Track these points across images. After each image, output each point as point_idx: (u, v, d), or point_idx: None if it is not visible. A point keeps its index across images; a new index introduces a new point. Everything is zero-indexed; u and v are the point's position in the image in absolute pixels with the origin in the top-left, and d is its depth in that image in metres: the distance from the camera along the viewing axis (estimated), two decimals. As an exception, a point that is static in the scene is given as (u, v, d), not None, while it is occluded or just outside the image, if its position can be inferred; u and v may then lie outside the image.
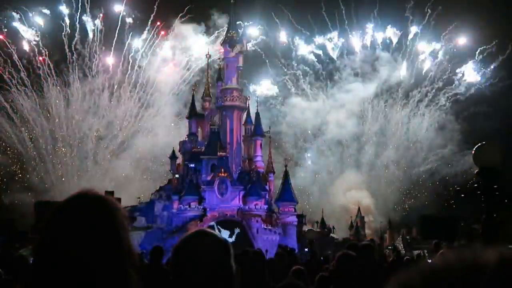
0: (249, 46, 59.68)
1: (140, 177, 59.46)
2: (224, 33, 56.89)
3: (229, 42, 54.93)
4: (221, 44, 56.64)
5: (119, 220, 1.55)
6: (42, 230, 1.53)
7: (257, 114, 56.28)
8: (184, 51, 64.67)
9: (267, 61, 67.23)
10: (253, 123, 55.49)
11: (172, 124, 60.91)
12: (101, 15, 64.49)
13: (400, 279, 0.88)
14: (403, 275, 0.88)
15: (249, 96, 56.77)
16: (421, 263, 0.87)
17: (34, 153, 59.10)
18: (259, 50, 66.62)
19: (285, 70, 67.34)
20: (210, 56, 58.53)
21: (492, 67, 62.76)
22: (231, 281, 2.09)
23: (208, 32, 61.91)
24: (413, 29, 66.30)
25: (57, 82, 62.23)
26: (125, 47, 64.96)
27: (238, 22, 55.41)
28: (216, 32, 56.59)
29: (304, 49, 69.10)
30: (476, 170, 7.56)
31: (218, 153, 49.82)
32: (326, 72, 67.59)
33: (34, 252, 1.51)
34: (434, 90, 65.04)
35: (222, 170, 48.98)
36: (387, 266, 10.74)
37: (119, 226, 1.54)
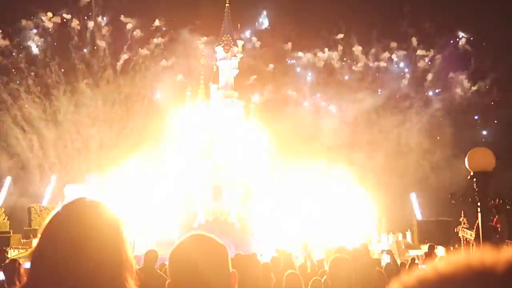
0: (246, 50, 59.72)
1: None
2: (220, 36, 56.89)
3: (224, 45, 55.00)
4: (216, 47, 56.67)
5: (117, 226, 1.54)
6: (41, 235, 1.52)
7: (252, 118, 56.27)
8: (188, 58, 64.68)
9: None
10: (248, 126, 55.46)
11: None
12: (107, 26, 64.38)
13: (406, 283, 0.86)
14: (408, 279, 0.86)
15: (244, 100, 56.78)
16: (427, 267, 0.85)
17: (41, 159, 58.98)
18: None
19: (282, 77, 67.13)
20: (204, 60, 58.56)
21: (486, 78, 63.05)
22: (228, 284, 2.08)
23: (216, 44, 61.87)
24: (413, 40, 66.37)
25: (66, 90, 62.16)
26: (134, 57, 64.95)
27: (237, 38, 55.44)
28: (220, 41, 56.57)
29: (304, 57, 68.76)
30: (470, 175, 7.58)
31: (213, 157, 49.75)
32: (323, 81, 67.37)
33: (32, 257, 1.50)
34: (427, 97, 65.36)
35: (217, 173, 48.90)
36: (382, 270, 10.74)
37: (117, 232, 1.53)
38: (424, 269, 0.85)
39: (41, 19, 61.88)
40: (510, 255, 0.81)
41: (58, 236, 1.47)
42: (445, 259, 0.84)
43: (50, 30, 62.20)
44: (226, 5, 57.23)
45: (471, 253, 0.84)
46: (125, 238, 1.53)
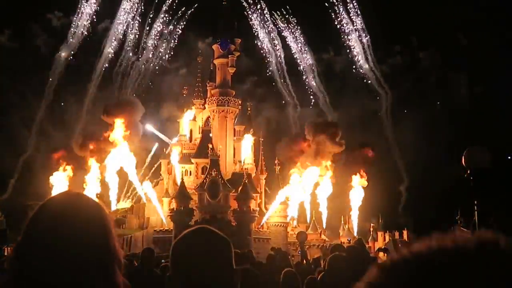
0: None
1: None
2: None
3: (221, 44, 55.04)
4: (213, 46, 56.66)
5: (102, 218, 1.53)
6: (24, 230, 1.50)
7: (249, 115, 56.27)
8: (190, 56, 64.52)
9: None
10: (245, 123, 55.49)
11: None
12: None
13: (383, 265, 0.88)
14: (385, 261, 0.89)
15: (241, 98, 56.82)
16: (401, 249, 0.89)
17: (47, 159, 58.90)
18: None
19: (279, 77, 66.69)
20: (202, 58, 58.64)
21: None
22: (231, 278, 2.05)
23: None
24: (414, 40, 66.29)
25: (75, 92, 62.11)
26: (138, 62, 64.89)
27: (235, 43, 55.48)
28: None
29: (303, 61, 68.05)
30: (467, 172, 7.59)
31: (210, 155, 49.77)
32: (322, 83, 66.96)
33: (15, 252, 1.47)
34: (424, 98, 65.46)
35: (214, 171, 48.90)
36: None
37: (103, 224, 1.52)
38: (399, 251, 0.88)
39: (50, 19, 61.95)
40: (481, 234, 0.85)
41: (42, 230, 1.46)
42: (419, 242, 0.88)
43: (58, 28, 62.29)
44: (224, 3, 57.27)
45: (446, 236, 0.87)
46: (111, 230, 1.52)
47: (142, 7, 63.36)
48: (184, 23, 64.59)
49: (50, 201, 1.55)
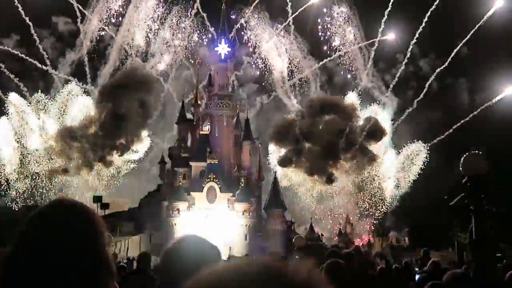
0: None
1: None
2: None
3: (220, 47, 55.19)
4: (212, 50, 56.75)
5: (94, 226, 1.52)
6: (17, 237, 1.49)
7: (247, 120, 56.27)
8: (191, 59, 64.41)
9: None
10: (243, 129, 55.50)
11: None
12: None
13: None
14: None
15: (238, 102, 56.84)
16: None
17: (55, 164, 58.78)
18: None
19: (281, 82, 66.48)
20: (200, 62, 58.66)
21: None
22: None
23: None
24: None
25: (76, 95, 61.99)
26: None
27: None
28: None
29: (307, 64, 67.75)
30: (464, 179, 7.61)
31: (207, 159, 49.77)
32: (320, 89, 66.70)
33: (8, 259, 1.46)
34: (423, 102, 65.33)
35: (211, 176, 48.89)
36: (376, 274, 10.73)
37: (94, 232, 1.51)
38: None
39: (56, 24, 61.96)
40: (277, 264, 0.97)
41: (33, 238, 1.45)
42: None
43: (64, 35, 62.25)
44: (223, 7, 57.43)
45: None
46: (103, 239, 1.52)
47: (150, 12, 63.28)
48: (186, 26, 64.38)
49: (43, 209, 1.55)
